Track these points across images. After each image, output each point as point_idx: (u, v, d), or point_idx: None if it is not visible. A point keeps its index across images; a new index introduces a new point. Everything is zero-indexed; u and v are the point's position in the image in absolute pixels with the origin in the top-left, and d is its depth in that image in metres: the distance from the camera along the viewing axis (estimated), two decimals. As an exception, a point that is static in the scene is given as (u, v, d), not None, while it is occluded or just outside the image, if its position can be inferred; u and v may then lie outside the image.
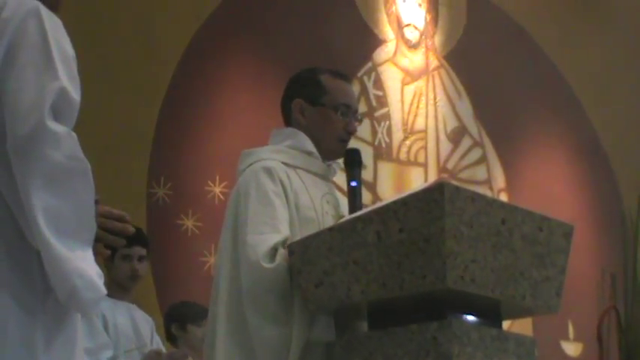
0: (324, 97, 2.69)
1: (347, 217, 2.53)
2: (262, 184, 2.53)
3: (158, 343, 4.05)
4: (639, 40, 7.57)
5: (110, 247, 1.78)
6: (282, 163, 2.61)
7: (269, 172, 2.55)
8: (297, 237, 2.46)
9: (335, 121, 2.68)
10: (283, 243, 2.44)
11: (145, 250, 3.97)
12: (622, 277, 6.25)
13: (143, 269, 4.00)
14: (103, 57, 5.11)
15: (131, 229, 1.77)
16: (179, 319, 4.35)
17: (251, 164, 2.62)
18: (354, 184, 2.64)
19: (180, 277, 5.19)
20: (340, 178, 2.77)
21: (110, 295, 3.74)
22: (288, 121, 2.76)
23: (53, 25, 1.73)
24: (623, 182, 7.27)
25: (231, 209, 2.58)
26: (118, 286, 3.92)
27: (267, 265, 2.40)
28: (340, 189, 2.80)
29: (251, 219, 2.47)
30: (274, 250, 2.42)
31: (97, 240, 1.71)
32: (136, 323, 3.93)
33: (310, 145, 2.67)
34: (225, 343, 2.46)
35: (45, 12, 1.73)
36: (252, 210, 2.49)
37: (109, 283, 3.76)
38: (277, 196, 2.52)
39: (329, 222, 2.56)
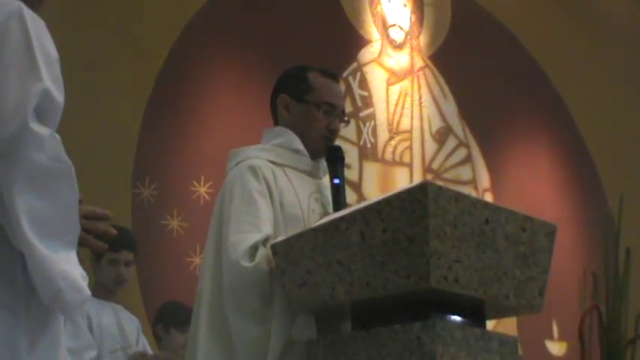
0: (308, 94, 2.68)
1: (331, 214, 2.54)
2: (246, 183, 2.52)
3: (144, 344, 4.03)
4: (625, 41, 7.60)
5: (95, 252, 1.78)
6: (269, 161, 2.61)
7: (253, 170, 2.55)
8: (282, 235, 2.47)
9: (317, 118, 2.66)
10: (264, 241, 2.44)
11: (133, 254, 3.95)
12: (604, 276, 6.29)
13: (129, 274, 3.99)
14: (87, 57, 5.10)
15: (114, 232, 1.77)
16: (165, 320, 4.34)
17: (238, 163, 2.62)
18: (336, 181, 2.62)
19: (165, 278, 5.18)
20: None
21: (96, 295, 3.74)
22: (275, 117, 2.75)
23: (36, 26, 1.72)
24: (606, 182, 7.31)
25: (217, 208, 2.58)
26: (104, 289, 3.91)
27: (246, 264, 2.40)
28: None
29: (234, 218, 2.47)
30: (254, 249, 2.42)
31: (81, 244, 1.70)
32: (121, 324, 3.92)
33: (298, 143, 2.66)
34: (207, 343, 2.46)
35: (28, 13, 1.71)
36: (235, 209, 2.49)
37: (94, 285, 3.77)
38: (261, 194, 2.51)
39: (315, 220, 2.55)
